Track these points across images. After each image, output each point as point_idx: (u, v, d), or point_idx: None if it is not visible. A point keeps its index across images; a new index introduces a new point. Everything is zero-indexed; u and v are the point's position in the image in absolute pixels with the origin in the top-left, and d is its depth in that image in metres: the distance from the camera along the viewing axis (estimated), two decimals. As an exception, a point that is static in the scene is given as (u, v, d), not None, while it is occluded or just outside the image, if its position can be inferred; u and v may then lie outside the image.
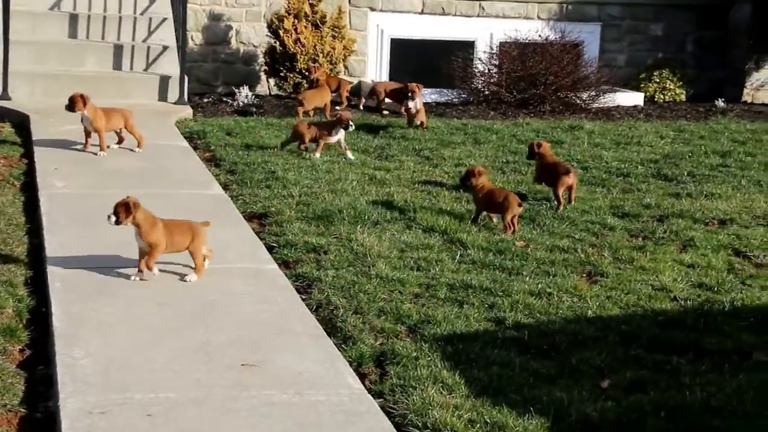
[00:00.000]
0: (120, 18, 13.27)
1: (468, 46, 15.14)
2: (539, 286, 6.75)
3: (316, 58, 13.48)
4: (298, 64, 13.43)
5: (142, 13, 13.54)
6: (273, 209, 8.08)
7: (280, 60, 13.54)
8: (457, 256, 7.28)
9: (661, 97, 15.31)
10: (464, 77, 13.89)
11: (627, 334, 6.05)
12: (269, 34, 13.79)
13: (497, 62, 14.17)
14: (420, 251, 7.34)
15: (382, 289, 6.55)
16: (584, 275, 7.15)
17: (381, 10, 15.07)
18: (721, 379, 5.49)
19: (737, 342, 6.05)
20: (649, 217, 8.60)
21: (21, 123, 10.96)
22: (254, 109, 12.78)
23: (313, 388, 5.00)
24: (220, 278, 6.45)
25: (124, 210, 6.12)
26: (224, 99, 13.28)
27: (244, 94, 13.14)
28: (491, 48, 14.69)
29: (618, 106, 14.41)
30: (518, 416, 4.94)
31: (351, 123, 10.01)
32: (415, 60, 15.30)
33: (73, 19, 13.10)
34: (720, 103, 14.87)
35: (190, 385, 4.90)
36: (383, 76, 15.22)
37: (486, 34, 15.25)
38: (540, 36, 14.41)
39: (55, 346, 5.19)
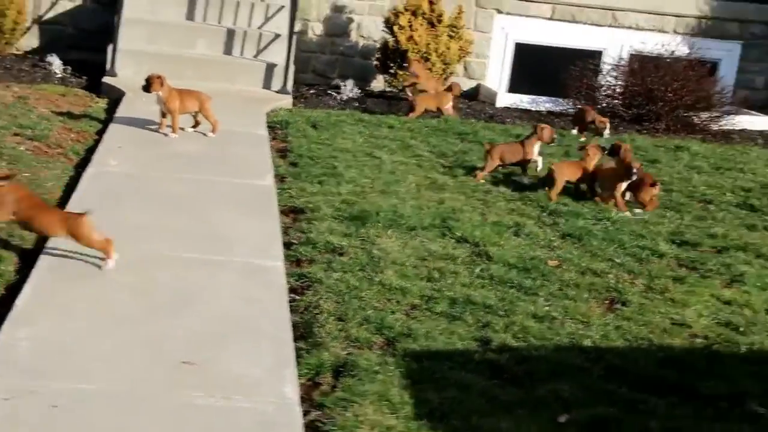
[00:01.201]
0: (238, 3, 13.40)
1: (595, 57, 14.65)
2: (547, 309, 6.46)
3: (429, 56, 13.30)
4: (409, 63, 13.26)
5: (263, 0, 13.63)
6: (311, 205, 7.99)
7: (391, 56, 13.44)
8: (477, 270, 7.02)
9: (796, 123, 14.47)
10: (578, 88, 13.44)
11: (615, 369, 5.72)
12: (385, 29, 13.70)
13: (616, 74, 13.67)
14: (440, 261, 7.12)
15: (380, 297, 6.38)
16: (605, 302, 6.80)
17: (508, 13, 14.76)
18: (694, 427, 5.10)
19: (736, 388, 5.62)
20: (709, 248, 8.12)
21: (117, 100, 11.20)
22: (357, 104, 12.72)
23: (244, 394, 4.89)
24: (215, 270, 6.41)
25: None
26: (329, 92, 13.23)
27: (349, 87, 13.10)
28: (619, 59, 14.17)
29: (743, 130, 13.70)
30: (450, 444, 4.71)
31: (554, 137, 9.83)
32: (540, 66, 14.95)
33: (192, 1, 13.29)
34: None
35: (116, 379, 4.86)
36: (504, 80, 14.92)
37: (616, 45, 14.73)
38: (666, 50, 13.80)
39: (4, 324, 5.22)
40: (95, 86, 11.87)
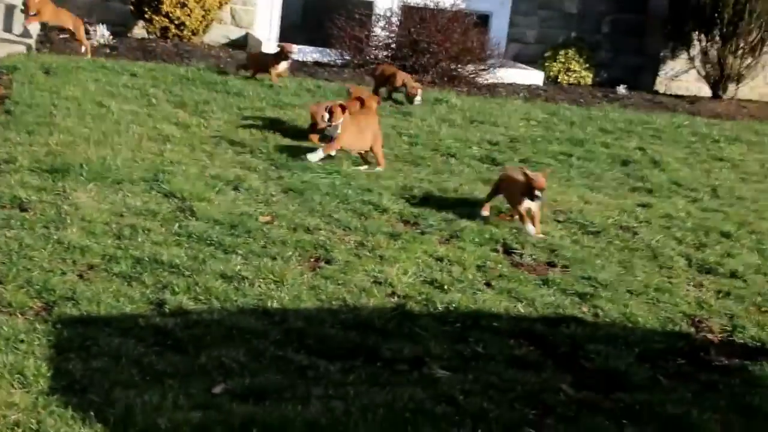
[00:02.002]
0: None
1: (367, 7, 14.26)
2: (239, 268, 6.03)
3: (186, 2, 12.67)
4: (164, 6, 12.62)
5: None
6: (8, 156, 7.33)
7: (145, 0, 12.73)
8: (175, 227, 6.54)
9: (566, 78, 14.52)
10: (340, 38, 13.06)
11: (296, 332, 5.34)
12: (140, -29, 12.99)
13: (382, 25, 13.35)
14: (137, 218, 6.61)
15: (54, 257, 5.83)
16: (311, 260, 6.41)
17: (272, -41, 14.23)
18: (363, 393, 4.76)
19: (419, 351, 5.32)
20: (437, 202, 7.84)
21: None
22: (108, 50, 12.02)
23: None
24: None
25: None
26: (78, 37, 12.43)
27: (99, 33, 12.39)
28: (389, 10, 13.81)
29: (512, 84, 13.61)
30: (77, 422, 4.22)
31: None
32: (311, 16, 14.52)
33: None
34: (622, 89, 14.10)
35: None
36: (274, 29, 14.41)
37: (386, -5, 14.38)
38: (434, 2, 13.54)
39: None
40: None
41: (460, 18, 13.21)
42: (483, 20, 14.61)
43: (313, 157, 8.19)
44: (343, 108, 8.24)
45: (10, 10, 11.74)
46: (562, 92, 13.65)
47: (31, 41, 11.63)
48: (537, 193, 7.16)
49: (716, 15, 13.93)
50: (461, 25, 13.12)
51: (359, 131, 8.31)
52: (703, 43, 14.33)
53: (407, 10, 13.61)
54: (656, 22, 14.84)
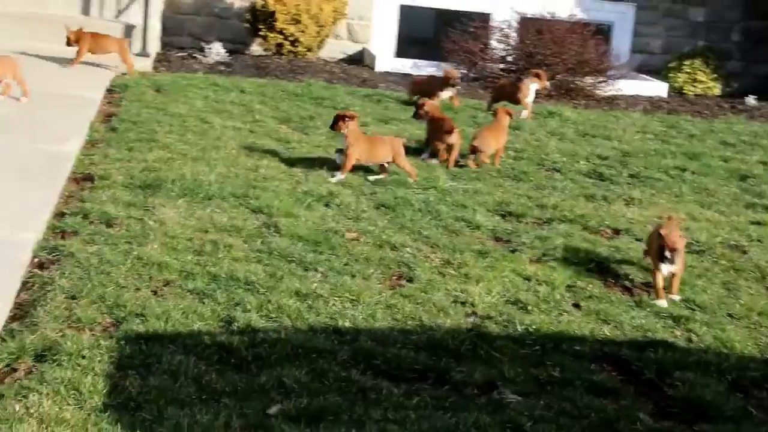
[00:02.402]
0: (97, -38, 12.76)
1: (484, 19, 14.05)
2: (315, 286, 5.91)
3: (299, 18, 12.72)
4: (278, 23, 12.69)
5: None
6: (103, 172, 7.42)
7: (260, 17, 12.83)
8: (258, 243, 6.48)
9: (691, 89, 14.01)
10: (455, 51, 12.90)
11: (365, 352, 5.19)
12: (254, -12, 13.10)
13: (497, 38, 13.14)
14: (221, 233, 6.58)
15: (132, 272, 5.83)
16: (392, 278, 6.27)
17: (392, -26, 14.18)
18: (421, 418, 4.59)
19: (494, 374, 5.12)
20: (534, 219, 7.61)
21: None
22: (223, 68, 12.14)
23: None
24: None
25: None
26: (196, 55, 12.62)
27: (215, 50, 12.52)
28: (506, 22, 13.59)
29: (634, 96, 13.21)
30: (122, 440, 4.18)
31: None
32: (427, 29, 14.42)
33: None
34: (751, 100, 13.54)
35: None
36: (390, 44, 14.35)
37: (503, 7, 14.13)
38: (554, 13, 13.26)
39: None
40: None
41: (578, 29, 12.89)
42: (605, 31, 14.27)
43: (334, 179, 7.99)
44: (344, 118, 8.08)
45: (129, 30, 11.95)
46: (687, 104, 13.18)
47: (149, 60, 11.82)
48: (667, 254, 6.30)
49: None
50: (579, 36, 12.80)
51: (370, 143, 8.12)
52: None
53: (524, 22, 13.37)
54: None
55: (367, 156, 8.12)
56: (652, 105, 12.83)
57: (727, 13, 14.85)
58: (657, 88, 13.68)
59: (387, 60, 13.53)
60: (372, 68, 13.31)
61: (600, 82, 12.86)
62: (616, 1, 14.57)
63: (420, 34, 14.81)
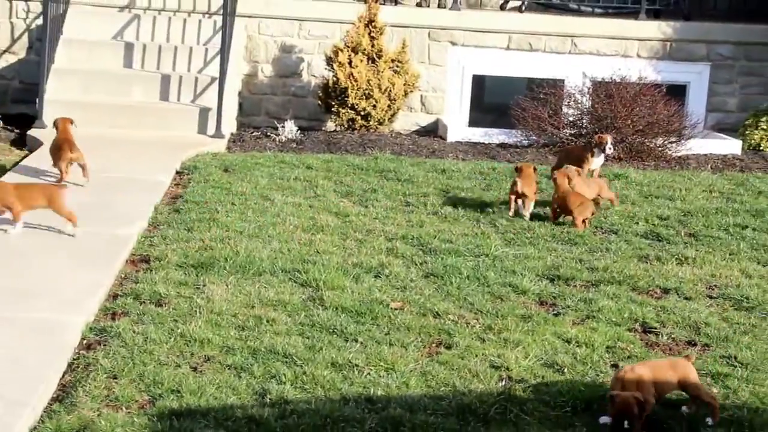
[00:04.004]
0: (175, 48, 13.25)
1: (558, 85, 14.13)
2: (351, 356, 6.06)
3: (371, 93, 13.01)
4: (350, 99, 12.99)
5: (205, 44, 13.47)
6: (160, 253, 7.71)
7: (332, 94, 13.16)
8: (302, 316, 6.66)
9: (768, 146, 13.82)
10: (524, 118, 13.02)
11: (392, 420, 5.31)
12: (327, 67, 13.44)
13: (568, 103, 13.22)
14: (268, 308, 6.78)
15: (174, 350, 6.05)
16: (432, 345, 6.38)
17: (463, 45, 14.40)
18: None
19: (519, 438, 5.19)
20: (584, 282, 7.65)
21: (32, 150, 11.11)
22: (294, 145, 12.47)
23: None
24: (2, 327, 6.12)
25: None
26: (269, 134, 12.97)
27: (288, 128, 12.84)
28: (577, 87, 13.66)
29: (706, 155, 13.11)
30: None
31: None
32: (501, 98, 14.58)
33: (129, 47, 13.19)
34: (828, 155, 13.30)
35: None
36: (464, 113, 14.55)
37: (576, 72, 14.23)
38: (627, 76, 13.29)
39: None
40: (23, 138, 11.82)
41: (648, 91, 12.89)
42: (679, 91, 14.23)
43: None
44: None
45: (204, 113, 12.37)
46: (762, 161, 13.02)
47: (223, 141, 12.20)
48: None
49: None
50: (650, 98, 12.80)
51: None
52: None
53: (596, 87, 13.43)
54: None
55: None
56: (725, 163, 12.72)
57: (806, 67, 14.69)
58: (731, 146, 13.54)
59: (459, 130, 13.70)
60: (444, 139, 13.49)
61: (671, 142, 12.80)
62: (690, 62, 14.52)
63: (495, 102, 14.97)
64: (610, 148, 10.54)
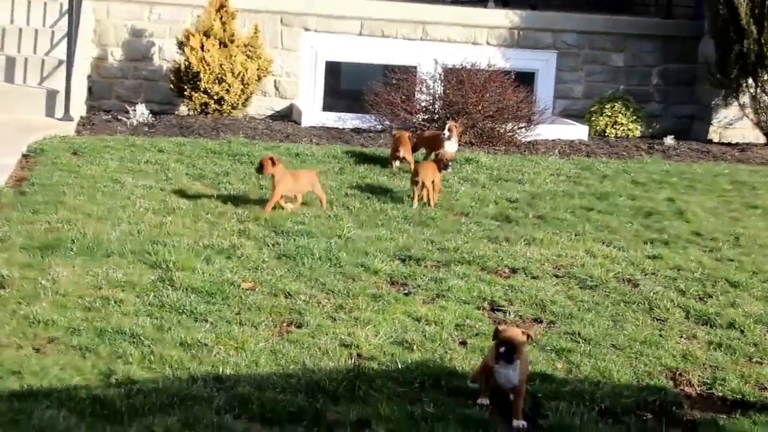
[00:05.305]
0: (20, 30, 12.87)
1: (410, 72, 14.22)
2: (201, 335, 6.01)
3: (223, 77, 12.90)
4: (202, 83, 12.85)
5: (51, 27, 13.13)
6: (3, 235, 7.50)
7: (184, 78, 12.99)
8: (150, 297, 6.57)
9: (613, 131, 14.27)
10: (377, 104, 13.11)
11: (241, 398, 5.29)
12: (179, 51, 13.26)
13: (419, 89, 13.36)
14: (116, 290, 6.66)
15: (17, 332, 5.89)
16: (282, 324, 6.38)
17: (315, 30, 14.39)
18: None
19: (370, 412, 5.22)
20: (434, 262, 7.75)
21: None
22: (146, 129, 12.27)
23: None
24: None
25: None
26: (120, 117, 12.73)
27: (139, 112, 12.63)
28: (429, 73, 13.79)
29: (555, 140, 13.45)
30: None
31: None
32: (355, 84, 14.63)
33: (-33, 29, 12.76)
34: (669, 140, 13.82)
35: None
36: (317, 99, 14.55)
37: (428, 59, 14.39)
38: (477, 63, 13.49)
39: None
40: None
41: (497, 78, 13.13)
42: (528, 78, 14.53)
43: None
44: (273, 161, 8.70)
45: (52, 95, 12.07)
46: (606, 146, 13.43)
47: (72, 124, 11.93)
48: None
49: (761, 59, 13.57)
50: (499, 84, 13.03)
51: (294, 178, 8.83)
52: (753, 90, 13.97)
53: (447, 73, 13.60)
54: (706, 70, 14.51)
55: (291, 188, 8.83)
56: (572, 148, 13.06)
57: (646, 58, 15.17)
58: (578, 132, 13.93)
59: (313, 115, 13.70)
60: (298, 123, 13.47)
61: (520, 127, 13.08)
62: (538, 50, 14.84)
63: (349, 88, 15.01)
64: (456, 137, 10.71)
